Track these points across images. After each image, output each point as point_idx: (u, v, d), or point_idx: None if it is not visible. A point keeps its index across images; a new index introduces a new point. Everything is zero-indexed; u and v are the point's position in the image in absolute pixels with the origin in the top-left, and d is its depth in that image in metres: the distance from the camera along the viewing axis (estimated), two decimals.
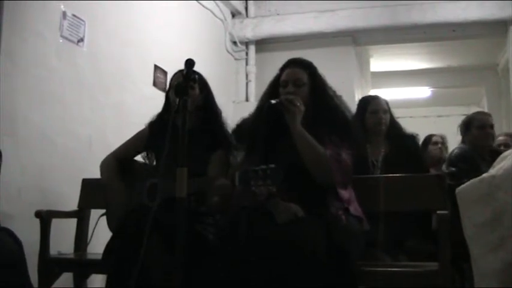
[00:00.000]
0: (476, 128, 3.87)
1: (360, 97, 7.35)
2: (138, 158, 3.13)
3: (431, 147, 4.69)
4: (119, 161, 3.01)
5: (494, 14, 6.09)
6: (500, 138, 4.30)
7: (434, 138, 4.75)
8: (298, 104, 2.50)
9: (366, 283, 2.52)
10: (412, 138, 3.55)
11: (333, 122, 2.60)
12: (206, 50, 6.09)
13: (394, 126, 3.56)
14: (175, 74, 3.02)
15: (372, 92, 8.69)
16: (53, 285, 3.13)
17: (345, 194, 2.54)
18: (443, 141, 4.78)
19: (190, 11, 5.85)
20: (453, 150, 3.99)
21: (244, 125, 3.58)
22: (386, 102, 3.59)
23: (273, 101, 2.54)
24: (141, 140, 3.07)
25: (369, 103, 3.58)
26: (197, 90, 2.91)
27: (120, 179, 2.93)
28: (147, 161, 3.08)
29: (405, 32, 6.67)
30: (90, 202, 3.47)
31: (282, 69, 2.74)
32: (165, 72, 5.08)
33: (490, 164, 3.52)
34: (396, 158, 3.36)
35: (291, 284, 2.12)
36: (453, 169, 3.64)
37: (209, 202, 2.67)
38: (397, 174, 3.00)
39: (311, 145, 2.46)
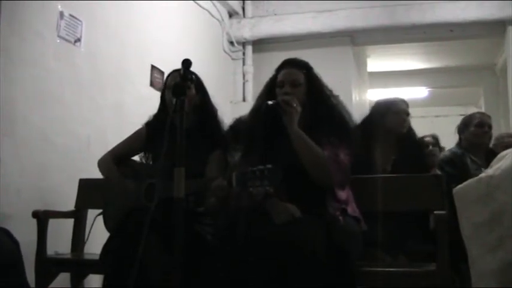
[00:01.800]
0: (474, 125, 3.85)
1: (358, 97, 7.39)
2: (135, 158, 3.13)
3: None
4: (116, 160, 3.00)
5: (493, 14, 6.09)
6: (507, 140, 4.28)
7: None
8: (295, 104, 2.50)
9: (365, 283, 2.52)
10: (421, 147, 3.54)
11: (330, 122, 2.61)
12: (203, 50, 6.09)
13: (409, 132, 3.49)
14: (171, 73, 3.01)
15: (370, 93, 8.72)
16: (50, 285, 3.13)
17: (343, 194, 2.54)
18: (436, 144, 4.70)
19: (187, 11, 5.84)
20: (444, 153, 3.99)
21: (237, 126, 3.58)
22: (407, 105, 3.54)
23: (269, 102, 2.53)
24: (138, 139, 3.06)
25: (393, 103, 3.48)
26: (193, 90, 2.90)
27: (118, 177, 2.92)
28: (144, 161, 3.08)
29: (404, 32, 6.67)
30: (87, 202, 3.46)
31: (278, 69, 2.74)
32: (162, 73, 5.07)
33: (484, 165, 3.53)
34: (403, 166, 3.26)
35: (290, 284, 2.12)
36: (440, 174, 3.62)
37: (207, 202, 2.67)
38: (396, 175, 3.00)
39: (309, 146, 2.46)
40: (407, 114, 3.46)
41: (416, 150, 3.46)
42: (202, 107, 2.98)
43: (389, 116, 3.41)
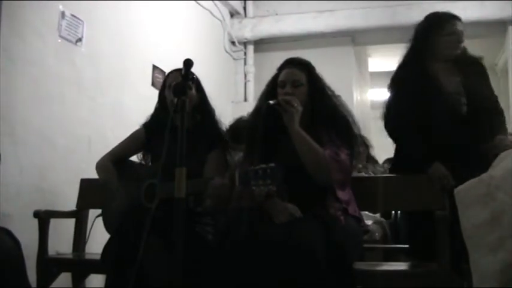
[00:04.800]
0: None
1: (359, 97, 7.38)
2: (134, 158, 3.13)
3: None
4: (115, 162, 2.99)
5: (493, 14, 6.08)
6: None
7: None
8: (296, 104, 2.50)
9: (365, 283, 2.52)
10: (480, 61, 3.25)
11: (331, 121, 2.61)
12: (204, 50, 6.09)
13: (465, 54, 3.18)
14: (171, 73, 3.01)
15: (371, 92, 8.69)
16: (52, 285, 3.13)
17: (344, 194, 2.53)
18: None
19: (189, 11, 5.85)
20: None
21: (237, 126, 3.58)
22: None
23: (271, 102, 2.53)
24: (137, 140, 3.05)
25: (446, 22, 3.15)
26: (194, 91, 2.90)
27: (117, 180, 2.92)
28: (143, 162, 3.08)
29: (404, 32, 6.64)
30: (89, 202, 3.45)
31: (280, 69, 2.74)
32: (163, 73, 5.07)
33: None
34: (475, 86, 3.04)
35: (289, 284, 2.12)
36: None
37: (207, 202, 2.67)
38: (397, 175, 3.00)
39: (309, 145, 2.46)
40: (463, 34, 3.14)
41: (475, 67, 3.17)
42: (201, 107, 2.97)
43: (443, 38, 3.13)
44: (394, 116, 3.07)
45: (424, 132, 2.92)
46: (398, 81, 3.13)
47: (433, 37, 3.15)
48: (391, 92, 3.15)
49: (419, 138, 2.93)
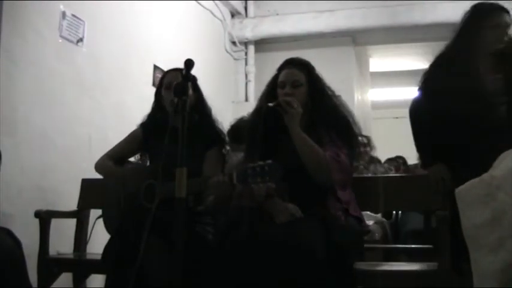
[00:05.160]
0: None
1: (360, 97, 7.37)
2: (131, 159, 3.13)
3: None
4: (113, 162, 2.99)
5: None
6: None
7: None
8: (296, 105, 2.50)
9: (365, 283, 2.52)
10: None
11: (331, 122, 2.60)
12: (205, 50, 6.09)
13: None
14: (167, 73, 3.00)
15: (372, 92, 8.68)
16: (52, 285, 3.13)
17: (344, 195, 2.53)
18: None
19: (190, 11, 5.86)
20: None
21: (239, 125, 3.58)
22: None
23: (270, 104, 2.53)
24: (134, 140, 3.04)
25: (489, 15, 2.91)
26: (191, 90, 2.89)
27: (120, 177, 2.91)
28: (141, 162, 3.07)
29: (405, 32, 6.66)
30: (90, 202, 3.46)
31: (280, 69, 2.73)
32: None
33: None
34: None
35: (289, 284, 2.12)
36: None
37: (207, 201, 2.67)
38: (397, 175, 2.99)
39: (310, 146, 2.46)
40: (509, 26, 2.89)
41: None
42: (198, 107, 2.96)
43: (488, 31, 2.90)
44: (417, 108, 2.99)
45: (439, 130, 2.84)
46: (431, 72, 3.01)
47: (476, 29, 2.95)
48: (421, 82, 3.04)
49: (427, 135, 2.89)
